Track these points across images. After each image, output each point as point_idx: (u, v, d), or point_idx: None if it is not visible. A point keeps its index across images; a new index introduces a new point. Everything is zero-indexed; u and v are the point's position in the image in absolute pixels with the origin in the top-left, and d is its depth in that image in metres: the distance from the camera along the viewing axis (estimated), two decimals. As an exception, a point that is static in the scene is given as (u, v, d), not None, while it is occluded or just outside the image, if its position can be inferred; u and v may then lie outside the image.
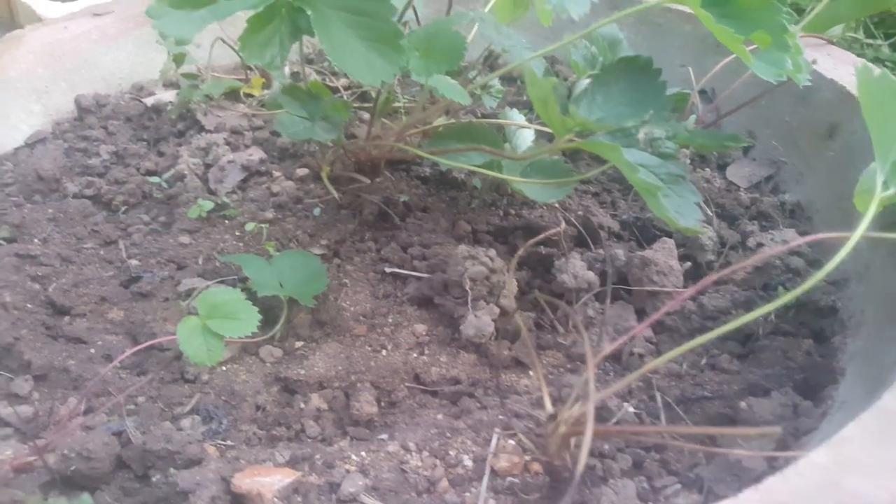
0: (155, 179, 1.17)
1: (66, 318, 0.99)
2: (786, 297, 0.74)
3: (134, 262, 1.06)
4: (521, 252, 1.00)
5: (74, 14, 1.46)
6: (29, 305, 0.98)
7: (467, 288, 0.96)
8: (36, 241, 1.08)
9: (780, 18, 0.80)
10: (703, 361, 0.96)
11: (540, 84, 0.72)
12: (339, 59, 0.79)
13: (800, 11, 2.61)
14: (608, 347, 0.75)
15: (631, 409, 0.88)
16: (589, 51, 1.15)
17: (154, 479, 0.77)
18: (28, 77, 1.30)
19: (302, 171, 1.20)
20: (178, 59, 1.24)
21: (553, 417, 0.77)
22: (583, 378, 0.78)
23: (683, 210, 0.79)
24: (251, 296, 0.93)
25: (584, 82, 0.81)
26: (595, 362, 0.76)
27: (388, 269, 1.06)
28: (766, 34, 0.80)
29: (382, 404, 0.92)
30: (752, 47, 0.82)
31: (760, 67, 0.80)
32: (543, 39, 1.46)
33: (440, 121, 1.15)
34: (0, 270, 1.00)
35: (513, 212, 1.18)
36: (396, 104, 1.27)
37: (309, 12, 0.79)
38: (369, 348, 0.97)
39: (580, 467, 0.57)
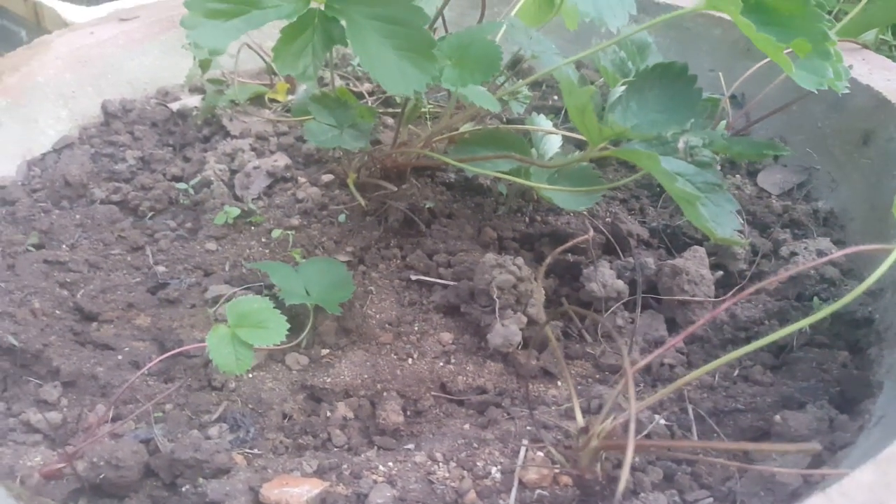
0: (182, 186, 1.17)
1: (94, 325, 0.99)
2: (824, 311, 0.72)
3: (161, 268, 1.06)
4: (548, 260, 0.99)
5: (101, 19, 1.47)
6: (57, 312, 0.98)
7: (495, 296, 0.95)
8: (64, 246, 1.08)
9: (822, 26, 0.79)
10: (736, 373, 0.94)
11: (578, 93, 0.71)
12: (372, 68, 0.79)
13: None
14: (642, 360, 0.74)
15: (662, 422, 0.87)
16: (618, 55, 1.14)
17: (183, 489, 0.76)
18: (56, 82, 1.30)
19: (327, 177, 1.19)
20: (205, 65, 1.24)
21: (585, 430, 0.76)
22: (616, 391, 0.76)
23: (721, 219, 0.77)
24: (278, 303, 0.93)
25: (619, 89, 0.80)
26: (630, 375, 0.75)
27: (413, 277, 1.05)
28: (807, 42, 0.78)
29: (408, 413, 0.91)
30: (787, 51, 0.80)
31: (801, 76, 0.78)
32: (568, 43, 1.44)
33: (466, 127, 1.14)
34: (29, 276, 1.00)
35: (539, 218, 1.16)
36: (422, 109, 1.26)
37: (343, 22, 0.78)
38: (395, 356, 0.96)
39: (621, 487, 0.56)
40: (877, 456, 0.61)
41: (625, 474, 0.55)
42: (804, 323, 0.73)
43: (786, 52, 0.79)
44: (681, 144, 0.72)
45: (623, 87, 0.80)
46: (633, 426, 0.57)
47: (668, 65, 0.82)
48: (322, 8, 0.80)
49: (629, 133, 0.75)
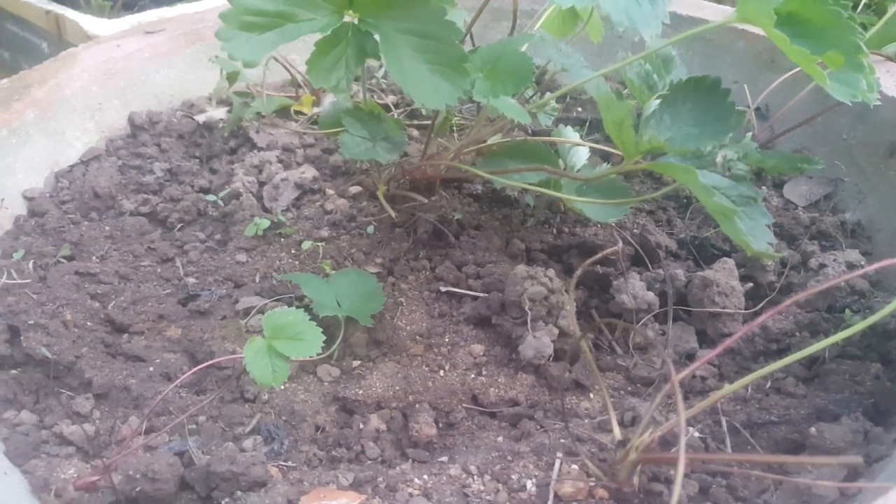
0: (211, 197, 1.18)
1: (125, 336, 0.99)
2: (861, 325, 0.72)
3: (191, 279, 1.06)
4: (579, 272, 0.99)
5: (126, 32, 1.48)
6: (89, 323, 0.99)
7: (526, 308, 0.95)
8: (94, 258, 1.09)
9: (855, 38, 0.79)
10: (769, 385, 0.94)
11: (617, 108, 0.72)
12: (404, 82, 0.79)
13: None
14: (680, 373, 0.74)
15: (696, 434, 0.87)
16: (643, 68, 1.14)
17: (222, 503, 0.76)
18: (83, 95, 1.31)
19: (355, 189, 1.20)
20: (232, 78, 1.25)
21: (623, 443, 0.76)
22: (653, 404, 0.76)
23: (755, 233, 0.77)
24: (309, 314, 0.93)
25: (654, 103, 0.80)
26: (677, 387, 0.75)
27: (443, 288, 1.05)
28: (840, 54, 0.78)
29: (441, 425, 0.91)
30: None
31: (835, 88, 0.78)
32: (591, 55, 1.45)
33: (494, 139, 1.14)
34: (61, 288, 1.01)
35: (566, 230, 1.17)
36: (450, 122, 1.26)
37: (376, 36, 0.79)
38: (426, 368, 0.96)
39: (674, 501, 0.56)
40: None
41: (677, 490, 0.54)
42: (840, 336, 0.73)
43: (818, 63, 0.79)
44: (719, 159, 0.72)
45: (657, 102, 0.80)
46: (683, 441, 0.57)
47: (701, 78, 0.82)
48: (356, 22, 0.81)
49: (667, 147, 0.75)
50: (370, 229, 1.12)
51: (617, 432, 0.78)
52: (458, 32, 0.80)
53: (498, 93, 0.85)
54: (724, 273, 1.02)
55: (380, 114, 0.99)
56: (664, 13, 0.75)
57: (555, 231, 1.16)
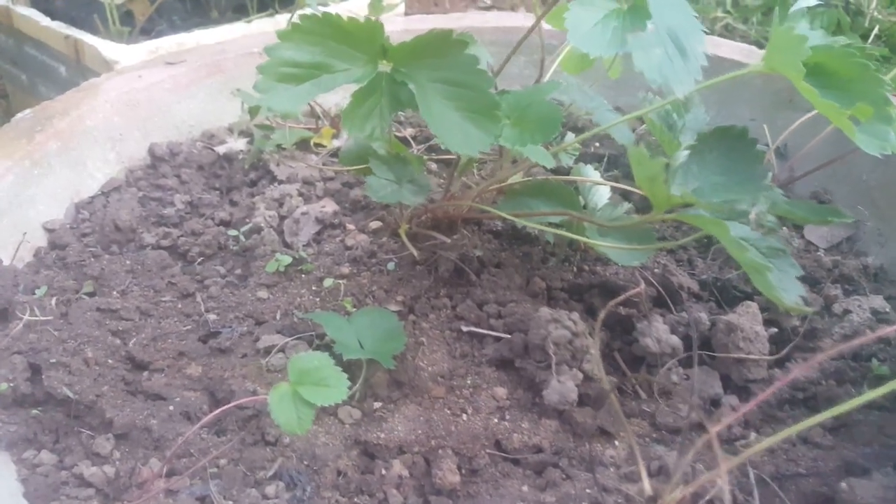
0: (232, 232, 1.18)
1: (146, 374, 0.99)
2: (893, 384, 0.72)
3: (212, 316, 1.06)
4: (602, 315, 0.98)
5: (147, 63, 1.49)
6: (110, 361, 0.98)
7: (550, 352, 0.95)
8: (115, 293, 1.08)
9: (882, 90, 0.79)
10: (795, 435, 0.93)
11: (649, 164, 0.72)
12: (437, 129, 0.79)
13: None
14: (713, 429, 0.73)
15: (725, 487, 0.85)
16: (664, 108, 1.14)
17: (247, 553, 0.76)
18: (105, 126, 1.32)
19: (374, 224, 1.20)
20: (254, 112, 1.25)
21: (653, 499, 0.75)
22: (685, 458, 0.76)
23: (786, 285, 0.77)
24: (332, 355, 0.93)
25: (683, 154, 0.81)
26: (699, 445, 0.74)
27: (465, 328, 1.05)
28: (869, 106, 0.78)
29: (463, 472, 0.90)
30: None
31: (863, 140, 0.78)
32: (607, 89, 1.45)
33: (515, 177, 1.14)
34: (83, 325, 1.01)
35: (587, 268, 1.16)
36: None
37: (411, 85, 0.79)
38: (449, 411, 0.95)
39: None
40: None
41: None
42: (872, 395, 0.72)
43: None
44: (753, 215, 0.72)
45: (686, 153, 0.80)
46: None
47: (728, 128, 0.83)
48: (389, 71, 0.81)
49: (698, 202, 0.75)
50: (391, 266, 1.12)
51: (647, 486, 0.78)
52: (489, 81, 0.80)
53: (526, 142, 0.86)
54: (748, 318, 1.01)
55: (405, 156, 1.00)
56: (697, 70, 0.75)
57: (575, 269, 1.16)
